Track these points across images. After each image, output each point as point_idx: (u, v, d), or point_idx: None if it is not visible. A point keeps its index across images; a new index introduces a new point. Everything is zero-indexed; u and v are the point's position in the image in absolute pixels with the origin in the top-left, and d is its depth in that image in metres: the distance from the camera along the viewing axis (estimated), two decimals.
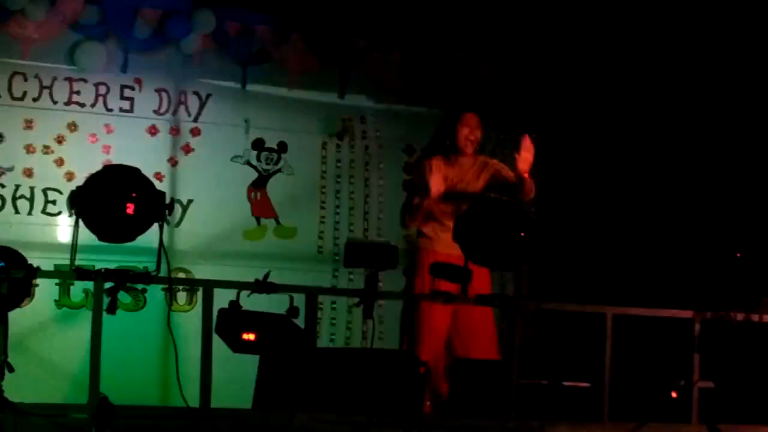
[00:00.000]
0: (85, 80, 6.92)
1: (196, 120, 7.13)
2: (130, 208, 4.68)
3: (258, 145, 7.23)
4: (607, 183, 7.37)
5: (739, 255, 5.12)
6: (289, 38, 7.23)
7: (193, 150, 7.11)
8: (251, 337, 4.79)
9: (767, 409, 5.24)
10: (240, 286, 4.91)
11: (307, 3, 7.23)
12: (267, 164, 7.24)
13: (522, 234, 5.02)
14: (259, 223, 7.21)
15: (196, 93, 7.15)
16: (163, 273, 5.01)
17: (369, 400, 4.91)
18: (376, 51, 7.35)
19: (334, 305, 6.98)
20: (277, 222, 7.23)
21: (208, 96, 7.17)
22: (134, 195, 4.68)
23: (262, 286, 4.89)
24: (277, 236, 7.20)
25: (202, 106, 7.16)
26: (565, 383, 5.24)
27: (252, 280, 4.97)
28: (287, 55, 7.23)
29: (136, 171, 4.67)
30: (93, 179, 4.77)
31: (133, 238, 4.77)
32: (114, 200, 4.65)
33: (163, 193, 4.75)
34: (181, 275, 6.83)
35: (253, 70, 7.19)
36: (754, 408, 5.29)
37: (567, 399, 5.20)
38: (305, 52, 7.26)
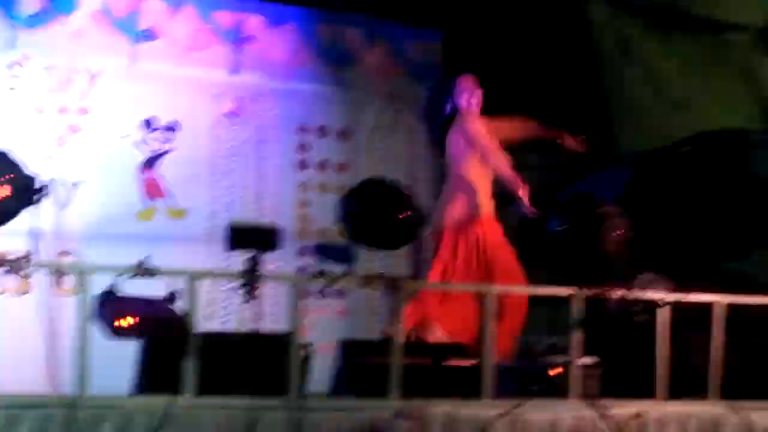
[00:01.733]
0: None
1: (84, 98, 6.98)
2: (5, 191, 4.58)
3: (149, 124, 7.11)
4: None
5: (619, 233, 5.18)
6: (180, 13, 7.11)
7: (81, 129, 6.96)
8: (128, 322, 4.72)
9: (647, 384, 5.33)
10: (118, 270, 4.82)
11: None
12: (158, 143, 7.13)
13: (401, 216, 5.03)
14: (150, 203, 7.10)
15: (85, 71, 6.99)
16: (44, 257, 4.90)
17: (253, 383, 4.88)
18: (270, 26, 7.26)
19: (226, 287, 6.91)
20: (168, 202, 7.13)
21: (98, 74, 7.02)
22: (5, 178, 4.57)
23: (141, 270, 4.81)
24: (169, 216, 7.11)
25: (91, 84, 7.01)
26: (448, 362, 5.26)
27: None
28: (178, 31, 7.11)
29: (3, 154, 4.56)
30: None
31: (3, 223, 4.66)
32: None
33: (34, 177, 4.64)
34: (70, 258, 6.70)
35: (144, 48, 7.05)
36: (634, 383, 5.38)
37: (450, 378, 5.22)
38: (197, 27, 7.14)
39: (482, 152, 6.01)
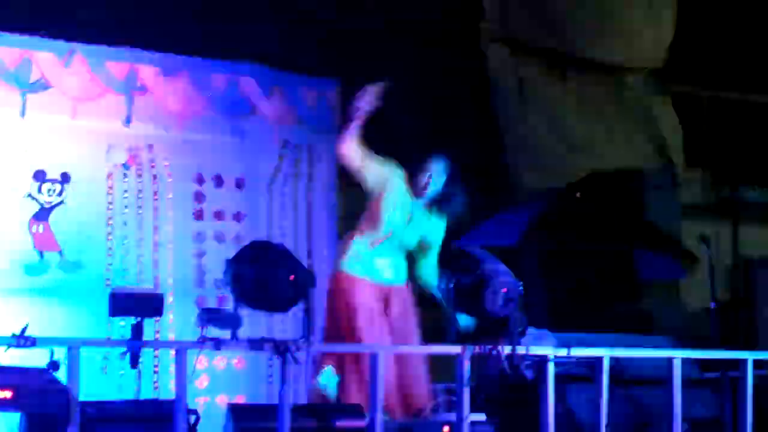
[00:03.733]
0: None
1: None
2: None
3: (39, 176, 6.98)
4: None
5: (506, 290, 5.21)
6: (72, 64, 7.01)
7: None
8: (6, 394, 4.60)
9: None
10: None
11: (89, 27, 7.02)
12: (49, 196, 7.00)
13: (292, 277, 5.00)
14: (41, 256, 6.96)
15: None
16: None
17: None
18: (163, 75, 7.20)
19: None
20: (61, 255, 7.00)
21: None
22: None
23: (20, 340, 4.70)
24: (62, 270, 6.97)
25: None
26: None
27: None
28: (70, 82, 7.00)
29: None
30: None
31: None
32: None
33: None
34: None
35: (34, 98, 6.93)
36: None
37: None
38: (89, 78, 7.04)
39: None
